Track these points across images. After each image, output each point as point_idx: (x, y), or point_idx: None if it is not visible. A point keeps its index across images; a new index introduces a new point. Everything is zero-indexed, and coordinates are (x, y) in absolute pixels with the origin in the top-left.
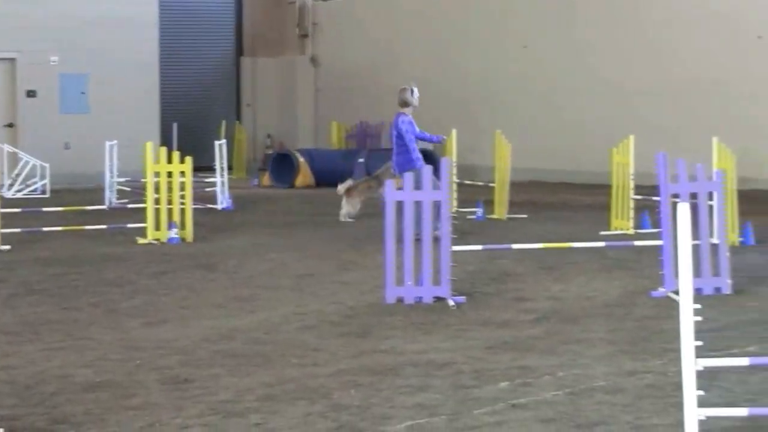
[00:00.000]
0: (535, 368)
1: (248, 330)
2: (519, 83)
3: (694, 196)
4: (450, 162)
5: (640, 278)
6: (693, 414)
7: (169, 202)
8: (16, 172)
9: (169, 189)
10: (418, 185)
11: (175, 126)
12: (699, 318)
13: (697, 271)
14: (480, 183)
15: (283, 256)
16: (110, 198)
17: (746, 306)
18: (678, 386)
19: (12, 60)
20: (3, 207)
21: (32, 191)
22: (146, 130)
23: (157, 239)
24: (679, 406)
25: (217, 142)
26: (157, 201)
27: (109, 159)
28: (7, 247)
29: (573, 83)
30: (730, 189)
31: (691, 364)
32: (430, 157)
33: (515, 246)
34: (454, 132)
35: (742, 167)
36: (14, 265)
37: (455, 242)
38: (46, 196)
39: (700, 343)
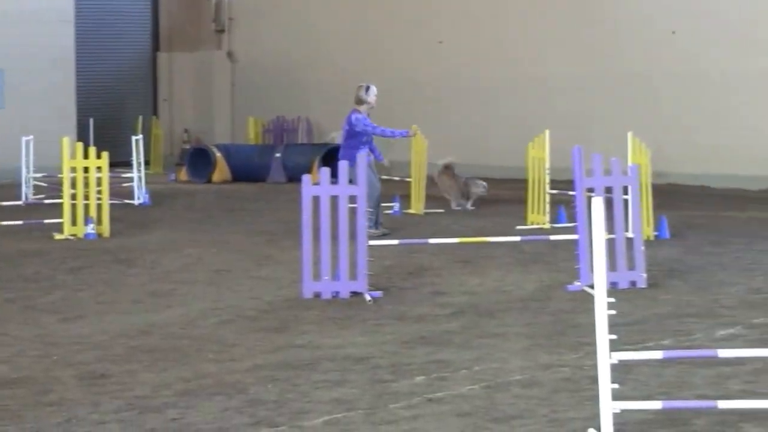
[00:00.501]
0: (452, 362)
1: (165, 325)
2: (435, 78)
3: (609, 190)
4: (368, 157)
5: (556, 272)
6: (608, 407)
7: (86, 198)
8: None
9: (86, 184)
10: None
11: (91, 121)
12: (613, 312)
13: (613, 265)
14: (396, 178)
15: (201, 251)
16: (26, 193)
17: (661, 299)
18: (593, 380)
19: None
20: None
21: None
22: (62, 126)
23: (74, 235)
24: (594, 399)
25: (133, 137)
26: (73, 196)
27: (25, 154)
28: None
29: (489, 78)
30: (645, 183)
31: (605, 358)
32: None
33: (432, 240)
34: None
35: (657, 162)
36: None
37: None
38: None
39: (614, 336)
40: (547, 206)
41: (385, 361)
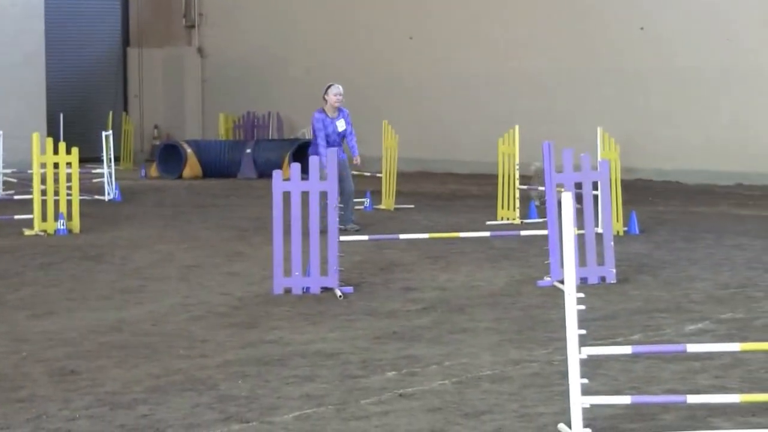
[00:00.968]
0: (422, 358)
1: (135, 321)
2: (406, 74)
3: (579, 185)
4: (339, 153)
5: (527, 268)
6: (577, 402)
7: (56, 194)
8: None
9: (56, 180)
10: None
11: (61, 117)
12: (583, 307)
13: (583, 261)
14: (367, 174)
15: (171, 247)
16: None
17: (630, 295)
18: (563, 375)
19: None
20: None
21: None
22: (32, 121)
23: (44, 230)
24: (564, 394)
25: (104, 133)
26: (43, 192)
27: None
28: None
29: (460, 73)
30: (615, 179)
31: (575, 353)
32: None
33: (402, 236)
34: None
35: (627, 157)
36: None
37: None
38: None
39: (583, 331)
40: (518, 202)
41: (356, 357)
